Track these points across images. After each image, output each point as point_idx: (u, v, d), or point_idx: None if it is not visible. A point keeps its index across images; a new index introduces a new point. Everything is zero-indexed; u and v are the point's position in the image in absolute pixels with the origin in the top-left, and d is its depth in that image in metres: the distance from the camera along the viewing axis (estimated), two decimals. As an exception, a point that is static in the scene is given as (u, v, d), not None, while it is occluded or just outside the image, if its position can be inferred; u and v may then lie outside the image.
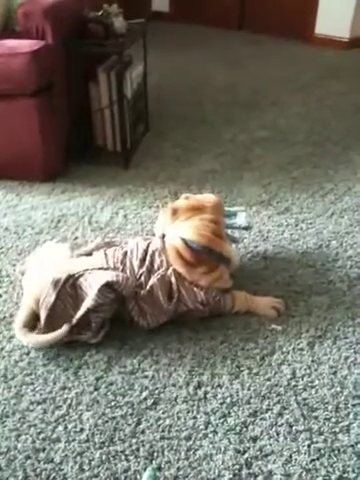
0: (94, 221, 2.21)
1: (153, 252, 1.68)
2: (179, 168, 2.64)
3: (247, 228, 2.00)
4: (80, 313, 1.55)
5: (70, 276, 1.59)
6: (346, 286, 1.83)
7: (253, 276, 1.87)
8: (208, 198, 1.81)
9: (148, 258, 1.67)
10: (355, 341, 1.61)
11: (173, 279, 1.62)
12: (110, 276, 1.56)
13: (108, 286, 1.54)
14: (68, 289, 1.57)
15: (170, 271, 1.63)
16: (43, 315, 1.56)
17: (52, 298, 1.56)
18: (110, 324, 1.61)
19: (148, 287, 1.61)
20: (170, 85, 3.77)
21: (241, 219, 1.97)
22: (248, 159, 2.75)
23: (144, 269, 1.64)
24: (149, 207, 2.31)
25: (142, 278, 1.63)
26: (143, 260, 1.66)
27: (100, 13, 2.48)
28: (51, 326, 1.56)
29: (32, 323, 1.60)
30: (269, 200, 2.37)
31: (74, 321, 1.55)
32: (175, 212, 1.76)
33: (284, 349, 1.58)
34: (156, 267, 1.65)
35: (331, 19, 4.59)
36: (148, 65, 2.93)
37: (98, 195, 2.41)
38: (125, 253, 1.70)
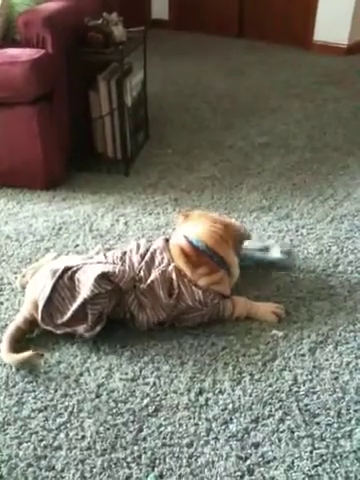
0: (95, 228, 2.21)
1: (154, 250, 1.70)
2: (179, 175, 2.65)
3: (285, 263, 1.94)
4: (76, 304, 1.55)
5: (68, 268, 1.60)
6: (347, 291, 1.83)
7: (254, 282, 1.87)
8: (228, 219, 1.84)
9: (149, 255, 1.69)
10: (356, 346, 1.60)
11: (174, 275, 1.63)
12: (107, 267, 1.58)
13: (105, 277, 1.55)
14: (66, 281, 1.58)
15: (171, 267, 1.64)
16: (40, 306, 1.57)
17: (49, 288, 1.56)
18: (108, 322, 1.60)
19: (149, 281, 1.62)
20: (170, 92, 3.78)
21: (275, 252, 1.95)
22: (248, 165, 2.76)
23: (143, 264, 1.66)
24: (149, 214, 2.32)
25: (141, 273, 1.64)
26: (143, 257, 1.69)
27: (100, 21, 2.50)
28: (48, 319, 1.57)
29: (25, 333, 1.61)
30: (269, 206, 2.37)
31: (70, 313, 1.55)
32: (187, 217, 1.80)
33: (285, 355, 1.57)
34: (157, 263, 1.66)
35: (330, 26, 4.61)
36: (148, 73, 2.94)
37: (99, 202, 2.42)
38: (124, 252, 1.73)
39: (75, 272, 1.59)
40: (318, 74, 4.21)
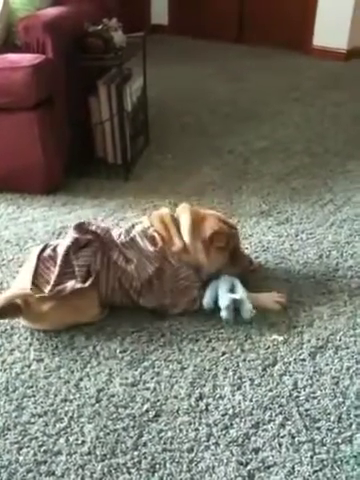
0: (95, 233, 2.21)
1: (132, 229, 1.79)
2: (179, 180, 2.65)
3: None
4: (60, 256, 1.63)
5: (48, 244, 1.73)
6: (347, 296, 1.83)
7: (254, 286, 1.86)
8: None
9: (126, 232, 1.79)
10: (357, 351, 1.60)
11: (155, 234, 1.71)
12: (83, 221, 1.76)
13: (82, 225, 1.71)
14: (49, 252, 1.68)
15: (151, 229, 1.73)
16: (29, 280, 1.62)
17: (34, 262, 1.65)
18: (108, 324, 1.61)
19: (131, 235, 1.72)
20: (170, 97, 3.79)
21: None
22: (247, 170, 2.76)
23: (122, 230, 1.77)
24: (149, 219, 2.31)
25: (122, 236, 1.74)
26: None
27: (100, 27, 2.51)
28: (37, 289, 1.62)
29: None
30: (269, 211, 2.37)
31: (56, 270, 1.61)
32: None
33: (286, 360, 1.57)
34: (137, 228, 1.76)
35: (329, 31, 4.63)
36: (148, 78, 2.95)
37: (99, 207, 2.42)
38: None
39: (56, 247, 1.69)
40: (318, 79, 4.22)
